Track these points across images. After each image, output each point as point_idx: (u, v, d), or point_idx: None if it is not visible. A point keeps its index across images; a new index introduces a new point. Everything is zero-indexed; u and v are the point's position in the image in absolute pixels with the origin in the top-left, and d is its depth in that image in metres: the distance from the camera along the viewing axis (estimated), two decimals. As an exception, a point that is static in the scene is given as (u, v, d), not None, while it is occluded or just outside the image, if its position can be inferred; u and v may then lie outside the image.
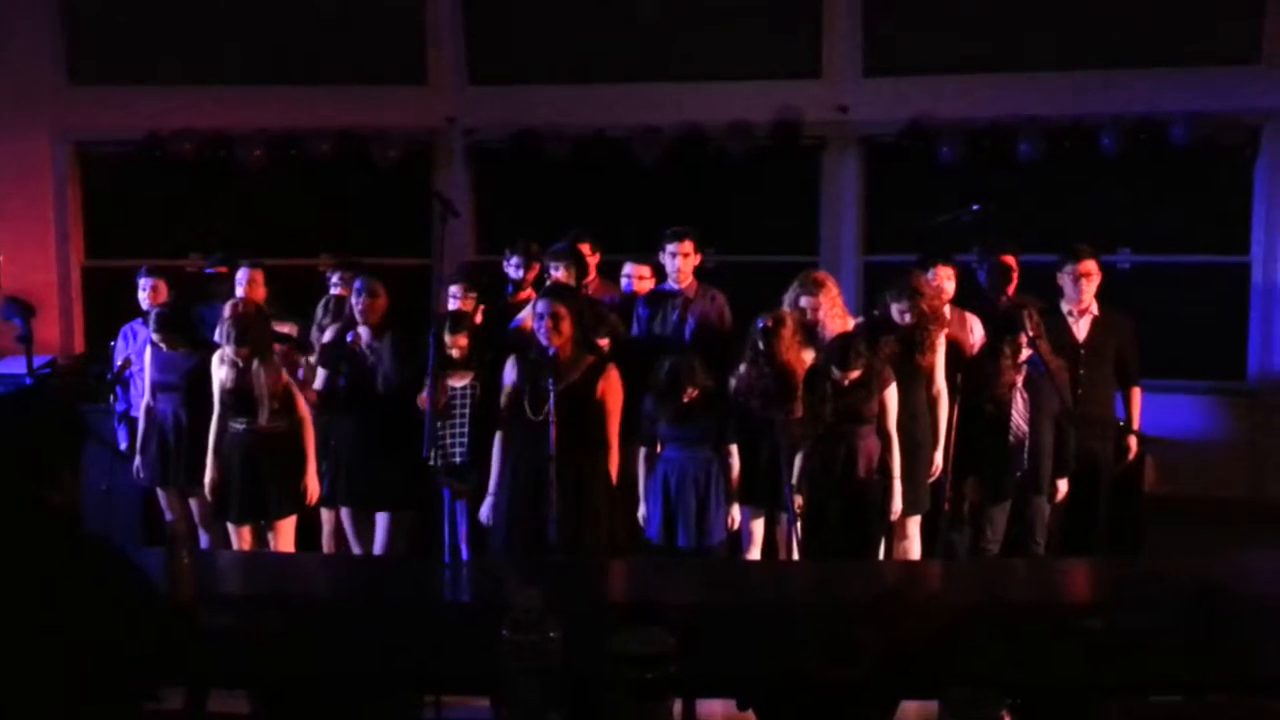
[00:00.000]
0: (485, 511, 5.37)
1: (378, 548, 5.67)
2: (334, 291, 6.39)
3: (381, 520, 5.70)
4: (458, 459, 5.71)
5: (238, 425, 5.68)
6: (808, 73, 8.39)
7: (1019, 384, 5.58)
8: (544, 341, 5.15)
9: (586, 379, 5.18)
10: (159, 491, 6.11)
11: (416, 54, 8.69)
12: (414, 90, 8.68)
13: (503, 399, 5.32)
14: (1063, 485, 5.71)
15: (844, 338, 5.43)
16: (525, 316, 5.95)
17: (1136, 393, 6.20)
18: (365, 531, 5.76)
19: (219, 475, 5.72)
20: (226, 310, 5.85)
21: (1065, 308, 6.08)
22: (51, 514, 2.31)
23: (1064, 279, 6.08)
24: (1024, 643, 3.27)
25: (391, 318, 5.77)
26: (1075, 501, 5.81)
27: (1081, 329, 6.04)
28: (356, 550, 5.78)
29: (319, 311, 6.21)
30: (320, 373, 5.85)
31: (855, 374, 5.29)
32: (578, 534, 5.10)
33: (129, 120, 8.58)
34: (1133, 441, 6.13)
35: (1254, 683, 3.09)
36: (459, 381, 5.69)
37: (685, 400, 5.34)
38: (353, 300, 5.74)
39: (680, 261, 6.12)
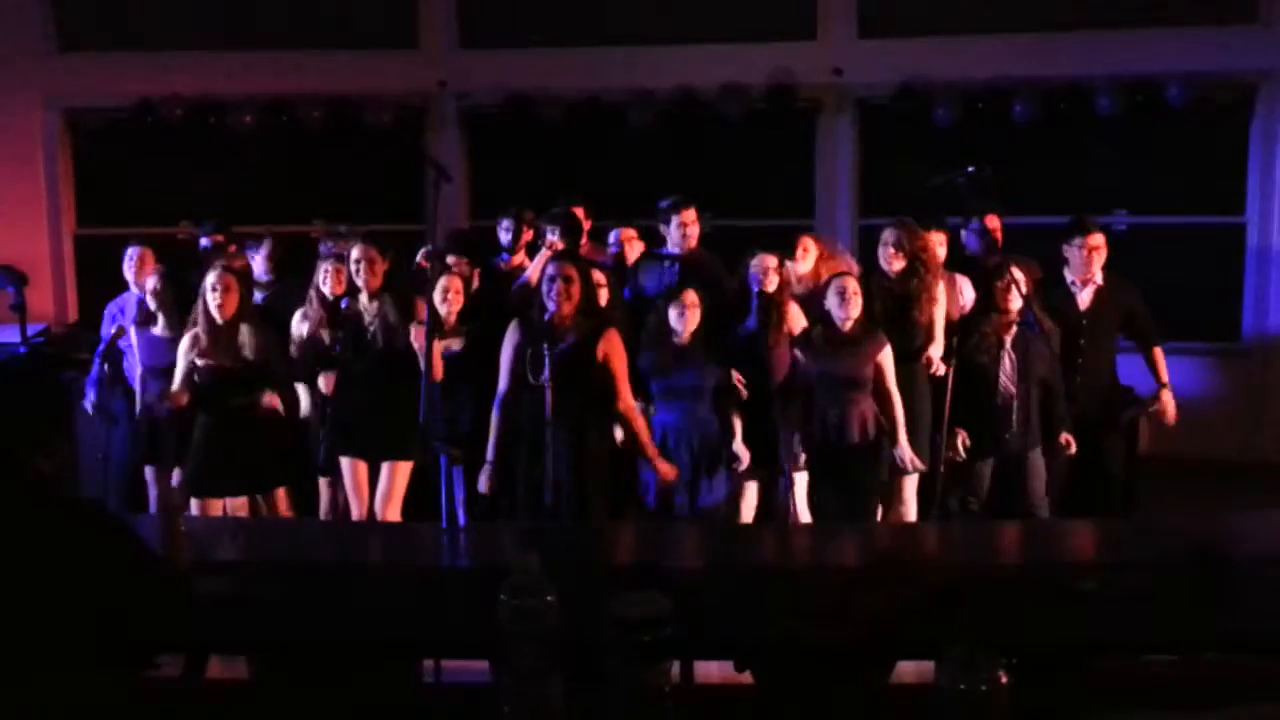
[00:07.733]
0: (483, 480, 5.17)
1: (379, 499, 5.63)
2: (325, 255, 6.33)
3: (385, 469, 5.66)
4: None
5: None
6: (802, 34, 8.34)
7: (1007, 345, 5.57)
8: (552, 304, 5.06)
9: (585, 342, 5.11)
10: (146, 469, 6.02)
11: (407, 18, 8.63)
12: (405, 55, 8.63)
13: (505, 362, 5.19)
14: (1069, 441, 5.63)
15: (838, 278, 5.45)
16: (532, 273, 5.92)
17: (1158, 352, 6.08)
18: (370, 484, 5.70)
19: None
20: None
21: (1069, 278, 6.01)
22: (43, 482, 2.30)
23: (1071, 251, 5.96)
24: (1020, 603, 3.28)
25: (389, 282, 5.74)
26: (1075, 467, 5.79)
27: (1084, 299, 5.97)
28: (356, 504, 5.71)
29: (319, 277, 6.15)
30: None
31: (855, 314, 5.30)
32: (577, 499, 5.05)
33: (119, 87, 8.53)
34: (1166, 396, 6.03)
35: (1248, 642, 3.11)
36: (453, 347, 5.68)
37: (686, 335, 5.33)
38: (351, 266, 5.69)
39: (688, 229, 6.11)
